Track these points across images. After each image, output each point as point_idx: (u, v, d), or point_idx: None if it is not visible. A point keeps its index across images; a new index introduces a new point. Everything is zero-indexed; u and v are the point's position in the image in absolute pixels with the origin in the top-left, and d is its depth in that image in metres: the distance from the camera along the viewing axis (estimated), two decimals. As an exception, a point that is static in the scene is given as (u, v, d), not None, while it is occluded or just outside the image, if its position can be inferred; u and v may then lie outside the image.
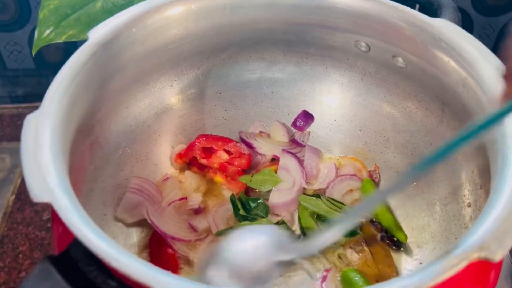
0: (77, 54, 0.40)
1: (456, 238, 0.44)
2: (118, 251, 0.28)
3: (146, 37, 0.46)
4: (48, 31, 0.59)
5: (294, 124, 0.57)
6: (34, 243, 0.64)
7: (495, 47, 0.78)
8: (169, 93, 0.53)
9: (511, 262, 0.53)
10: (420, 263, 0.45)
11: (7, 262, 0.62)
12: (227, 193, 0.53)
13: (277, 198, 0.51)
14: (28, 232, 0.65)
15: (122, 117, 0.49)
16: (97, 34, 0.42)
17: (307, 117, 0.56)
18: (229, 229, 0.48)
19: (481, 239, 0.28)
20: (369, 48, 0.50)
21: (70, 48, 0.77)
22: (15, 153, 0.76)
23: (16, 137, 0.78)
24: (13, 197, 0.69)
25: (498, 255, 0.28)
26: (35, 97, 0.84)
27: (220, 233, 0.48)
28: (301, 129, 0.56)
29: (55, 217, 0.37)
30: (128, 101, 0.50)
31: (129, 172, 0.50)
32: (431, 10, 0.48)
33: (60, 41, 0.59)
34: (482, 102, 0.39)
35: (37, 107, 0.83)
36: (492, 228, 0.29)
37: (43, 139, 0.33)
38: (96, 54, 0.41)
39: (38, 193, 0.30)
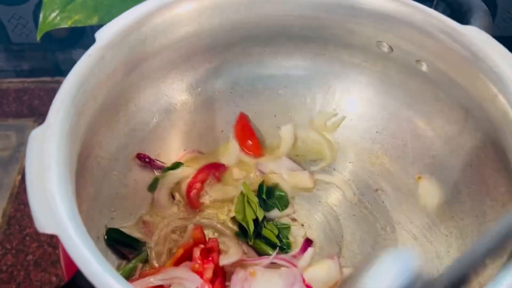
0: (84, 59, 0.38)
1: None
2: (126, 292, 0.27)
3: (157, 36, 0.43)
4: (53, 15, 0.56)
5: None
6: (41, 225, 0.64)
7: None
8: (180, 89, 0.51)
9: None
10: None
11: (14, 245, 0.62)
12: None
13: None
14: (35, 214, 0.65)
15: (131, 115, 0.48)
16: (105, 35, 0.39)
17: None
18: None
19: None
20: (392, 50, 0.47)
21: (76, 24, 0.74)
22: (21, 131, 0.75)
23: (22, 113, 0.77)
24: (19, 177, 0.69)
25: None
26: (41, 71, 0.82)
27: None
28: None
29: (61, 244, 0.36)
30: (137, 98, 0.48)
31: (138, 172, 0.49)
32: (460, 12, 0.45)
33: (66, 26, 0.57)
34: (511, 123, 0.37)
35: (42, 82, 0.82)
36: None
37: (49, 160, 0.31)
38: (104, 58, 0.39)
39: (45, 224, 0.29)
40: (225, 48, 0.50)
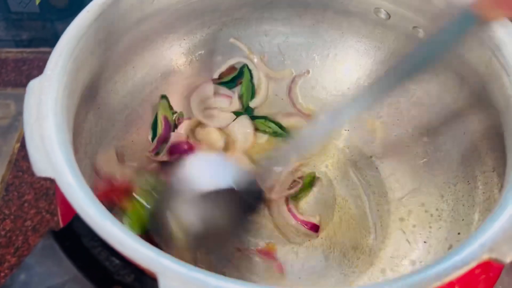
0: (83, 14, 0.38)
1: (463, 220, 0.43)
2: (122, 234, 0.27)
3: (155, -4, 0.43)
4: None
5: None
6: (40, 192, 0.64)
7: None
8: (178, 53, 0.51)
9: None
10: (425, 242, 0.45)
11: (12, 210, 0.63)
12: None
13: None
14: (33, 181, 0.65)
15: (129, 78, 0.48)
16: (104, -8, 0.39)
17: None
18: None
19: (492, 240, 0.28)
20: (389, 16, 0.48)
21: (75, -8, 0.74)
22: (20, 100, 0.74)
23: (21, 83, 0.77)
24: (18, 145, 0.69)
25: (509, 257, 0.27)
26: (40, 41, 0.82)
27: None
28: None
29: (58, 190, 0.37)
30: (135, 60, 0.48)
31: (135, 133, 0.49)
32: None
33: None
34: (504, 87, 0.37)
35: (42, 52, 0.82)
36: (504, 228, 0.28)
37: (46, 109, 0.32)
38: (103, 15, 0.39)
39: (42, 167, 0.29)
40: (223, 13, 0.51)
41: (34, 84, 0.33)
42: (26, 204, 0.63)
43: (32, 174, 0.65)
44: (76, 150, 0.34)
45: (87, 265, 0.28)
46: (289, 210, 0.48)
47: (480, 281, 0.31)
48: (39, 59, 0.80)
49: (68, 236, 0.30)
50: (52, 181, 0.63)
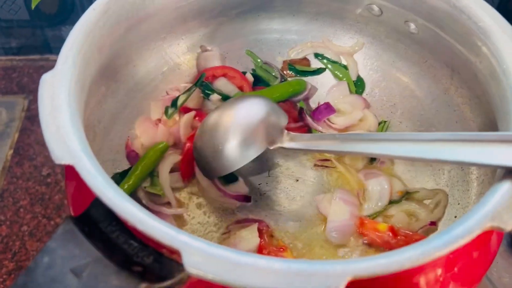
0: (89, 12, 0.39)
1: (459, 204, 0.45)
2: (142, 214, 0.28)
3: (157, -6, 0.45)
4: (49, -17, 0.56)
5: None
6: (35, 197, 0.64)
7: (499, 8, 0.78)
8: (176, 52, 0.53)
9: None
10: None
11: (8, 216, 0.62)
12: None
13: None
14: (28, 186, 0.65)
15: (130, 76, 0.49)
16: (108, -10, 0.40)
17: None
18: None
19: (494, 208, 0.29)
20: (381, 12, 0.50)
21: (66, -1, 0.75)
22: (11, 107, 0.75)
23: (11, 90, 0.77)
24: (11, 151, 0.69)
25: (510, 225, 0.29)
26: (30, 49, 0.82)
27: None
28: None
29: (70, 178, 0.37)
30: (136, 59, 0.49)
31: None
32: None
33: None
34: (496, 72, 0.39)
35: (31, 60, 0.82)
36: (505, 197, 0.30)
37: (60, 101, 0.33)
38: (108, 13, 0.40)
39: (60, 155, 0.30)
40: (220, 12, 0.52)
41: (46, 78, 0.34)
42: (21, 210, 0.63)
43: (26, 179, 0.66)
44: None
45: (107, 248, 0.29)
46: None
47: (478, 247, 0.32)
48: (29, 67, 0.80)
49: (86, 222, 0.30)
50: (48, 185, 0.64)
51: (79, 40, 0.37)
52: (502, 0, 0.79)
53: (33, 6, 0.58)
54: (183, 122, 0.49)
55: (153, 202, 0.45)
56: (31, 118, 0.73)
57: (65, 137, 0.31)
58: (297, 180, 0.49)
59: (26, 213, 0.63)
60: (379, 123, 0.52)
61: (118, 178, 0.45)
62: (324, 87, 0.55)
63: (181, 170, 0.48)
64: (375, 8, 0.50)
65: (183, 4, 0.48)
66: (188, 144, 0.48)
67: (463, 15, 0.42)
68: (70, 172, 0.41)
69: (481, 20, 0.41)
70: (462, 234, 0.28)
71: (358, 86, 0.54)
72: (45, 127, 0.31)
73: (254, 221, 0.46)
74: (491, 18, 0.40)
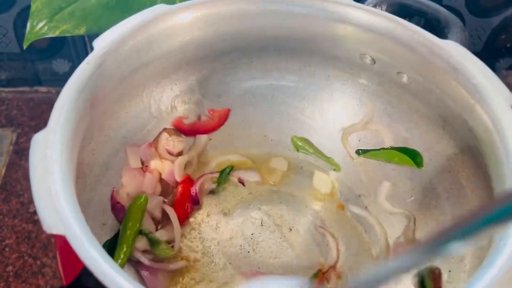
0: (83, 66, 0.38)
1: (453, 258, 0.45)
2: (135, 289, 0.27)
3: (151, 45, 0.45)
4: (40, 25, 0.56)
5: None
6: (21, 235, 0.63)
7: (485, 48, 0.79)
8: (169, 97, 0.52)
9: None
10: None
11: (-7, 256, 0.61)
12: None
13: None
14: (14, 224, 0.64)
15: (122, 123, 0.48)
16: (103, 43, 0.40)
17: None
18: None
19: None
20: (374, 62, 0.50)
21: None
22: (0, 140, 0.74)
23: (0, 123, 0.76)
24: (-2, 188, 0.68)
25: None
26: (19, 81, 0.81)
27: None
28: None
29: (62, 245, 0.37)
30: (128, 106, 0.49)
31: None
32: (438, 28, 0.48)
33: (54, 35, 0.57)
34: (490, 130, 0.39)
35: (21, 92, 0.81)
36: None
37: (52, 164, 0.32)
38: (102, 66, 0.40)
39: (52, 225, 0.29)
40: (214, 58, 0.52)
41: (38, 138, 0.33)
42: (7, 249, 0.62)
43: (13, 217, 0.64)
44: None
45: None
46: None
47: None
48: (18, 99, 0.79)
49: (77, 291, 0.30)
50: (35, 222, 0.62)
51: (72, 96, 0.37)
52: (489, 39, 0.81)
53: (25, 46, 0.57)
54: (177, 164, 0.49)
55: (153, 261, 0.45)
56: (19, 152, 0.72)
57: (56, 204, 0.30)
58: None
59: (12, 252, 0.62)
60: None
61: (110, 245, 0.44)
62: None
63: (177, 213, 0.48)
64: (369, 58, 0.50)
65: (178, 52, 0.48)
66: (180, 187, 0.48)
67: (455, 71, 0.42)
68: (60, 239, 0.40)
69: (474, 78, 0.41)
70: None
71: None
72: (36, 193, 0.30)
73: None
74: (484, 76, 0.41)
